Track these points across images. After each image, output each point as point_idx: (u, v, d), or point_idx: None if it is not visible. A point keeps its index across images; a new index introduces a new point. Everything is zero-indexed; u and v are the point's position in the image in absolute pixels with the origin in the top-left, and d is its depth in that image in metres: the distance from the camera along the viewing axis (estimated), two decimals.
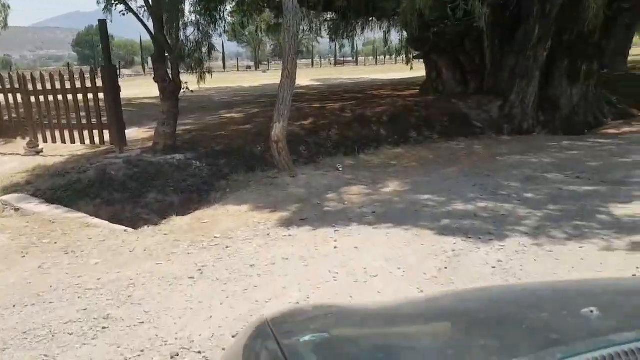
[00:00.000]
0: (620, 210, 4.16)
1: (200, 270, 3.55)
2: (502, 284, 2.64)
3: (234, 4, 14.33)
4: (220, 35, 13.88)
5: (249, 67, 47.32)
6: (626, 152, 6.32)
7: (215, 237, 4.37)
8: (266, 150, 6.79)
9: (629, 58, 14.46)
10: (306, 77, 24.34)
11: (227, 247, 4.01)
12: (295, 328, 1.00)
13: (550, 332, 0.82)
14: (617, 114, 10.69)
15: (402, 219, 4.37)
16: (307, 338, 0.88)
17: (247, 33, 43.87)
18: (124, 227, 5.48)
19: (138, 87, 19.06)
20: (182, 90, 7.60)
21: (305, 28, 23.31)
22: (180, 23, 7.40)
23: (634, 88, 11.72)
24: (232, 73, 38.14)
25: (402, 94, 13.25)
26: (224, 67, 45.33)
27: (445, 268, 3.25)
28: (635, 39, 16.38)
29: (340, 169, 6.46)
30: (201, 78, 7.31)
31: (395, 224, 4.23)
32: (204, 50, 7.45)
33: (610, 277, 2.60)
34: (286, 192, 5.43)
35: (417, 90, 12.66)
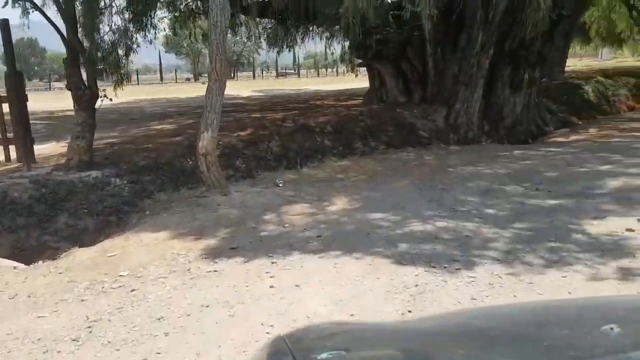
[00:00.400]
0: (595, 227, 3.69)
1: (90, 327, 2.67)
2: (522, 302, 2.42)
3: (164, 9, 13.34)
4: (151, 43, 12.89)
5: (188, 79, 45.73)
6: (582, 161, 6.02)
7: (120, 275, 3.48)
8: (198, 164, 5.96)
9: (565, 67, 14.79)
10: (247, 88, 23.58)
11: (132, 290, 3.14)
12: (312, 345, 0.98)
13: (571, 349, 0.83)
14: (558, 122, 10.72)
15: (353, 244, 3.68)
16: (324, 356, 0.87)
17: (185, 44, 42.44)
18: (14, 264, 4.55)
19: (65, 99, 17.54)
20: (99, 99, 6.76)
21: (245, 39, 22.56)
22: (96, 23, 6.45)
23: (572, 96, 11.88)
24: (170, 85, 36.60)
25: (345, 103, 12.78)
26: (161, 79, 43.51)
27: (410, 312, 2.57)
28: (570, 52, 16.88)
29: (281, 185, 5.71)
30: (118, 84, 6.35)
31: (345, 251, 3.53)
32: (120, 52, 6.50)
33: (630, 294, 2.46)
34: (216, 213, 4.60)
35: (361, 100, 12.23)
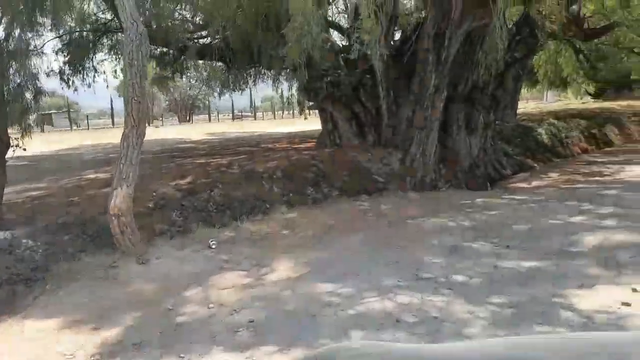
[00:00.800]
0: (584, 300, 3.07)
1: None
2: (560, 334, 2.25)
3: (105, 51, 12.62)
4: (90, 86, 12.07)
5: None
6: (550, 212, 5.52)
7: None
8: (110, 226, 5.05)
9: (517, 110, 14.85)
10: (201, 131, 22.79)
11: None
12: None
13: None
14: (515, 165, 10.46)
15: (292, 333, 2.89)
16: None
17: None
18: None
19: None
20: (11, 149, 5.95)
21: (193, 82, 21.87)
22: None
23: (526, 139, 11.76)
24: (122, 128, 35.29)
25: (298, 146, 12.20)
26: (113, 123, 42.15)
27: None
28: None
29: (214, 247, 4.87)
30: (25, 133, 5.49)
31: (282, 346, 2.73)
32: (28, 96, 5.64)
33: None
34: (127, 289, 3.70)
35: (314, 143, 11.69)
